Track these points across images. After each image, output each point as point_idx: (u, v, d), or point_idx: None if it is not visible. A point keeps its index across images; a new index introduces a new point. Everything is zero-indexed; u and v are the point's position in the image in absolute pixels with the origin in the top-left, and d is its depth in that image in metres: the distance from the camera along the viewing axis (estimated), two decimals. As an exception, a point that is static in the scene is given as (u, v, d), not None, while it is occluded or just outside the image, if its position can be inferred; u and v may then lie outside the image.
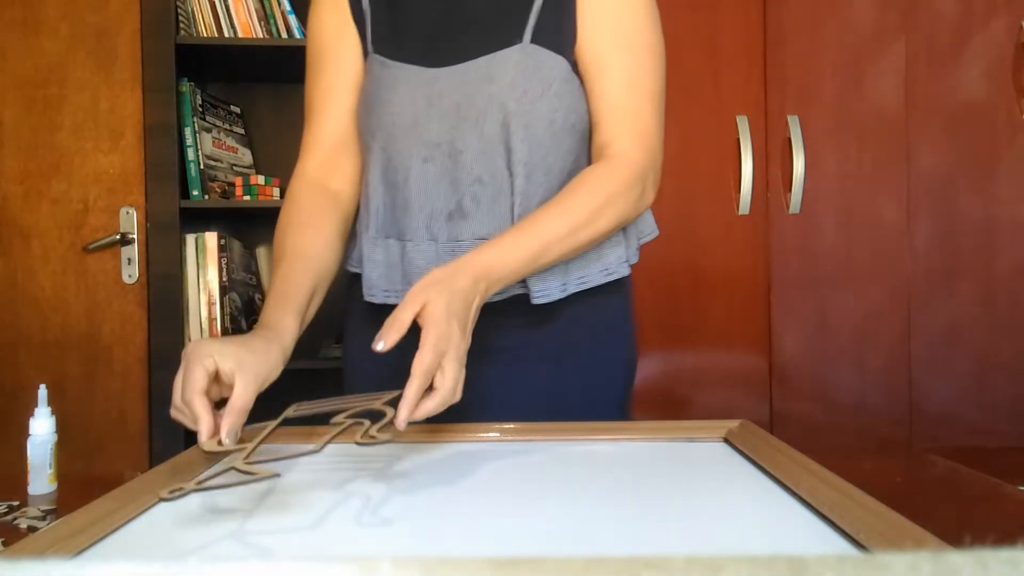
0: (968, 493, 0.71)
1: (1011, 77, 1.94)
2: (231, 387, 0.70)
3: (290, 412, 0.74)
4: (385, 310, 0.95)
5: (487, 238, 0.91)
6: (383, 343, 0.71)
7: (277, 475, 0.56)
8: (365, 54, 0.98)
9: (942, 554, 0.21)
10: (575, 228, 0.86)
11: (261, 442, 0.63)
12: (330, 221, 0.96)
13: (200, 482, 0.55)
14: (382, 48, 0.96)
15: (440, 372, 0.71)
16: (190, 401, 0.68)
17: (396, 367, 0.93)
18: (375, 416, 0.70)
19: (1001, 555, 0.21)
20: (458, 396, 0.72)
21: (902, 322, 1.97)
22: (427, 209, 0.93)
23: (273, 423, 0.68)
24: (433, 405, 0.70)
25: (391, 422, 0.67)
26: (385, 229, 0.96)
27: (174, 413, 0.71)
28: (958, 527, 0.58)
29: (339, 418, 0.69)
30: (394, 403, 0.70)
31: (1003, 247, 1.96)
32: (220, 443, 0.66)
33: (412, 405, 0.68)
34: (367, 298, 0.95)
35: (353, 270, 1.02)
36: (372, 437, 0.63)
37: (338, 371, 1.09)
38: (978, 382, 1.96)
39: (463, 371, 0.73)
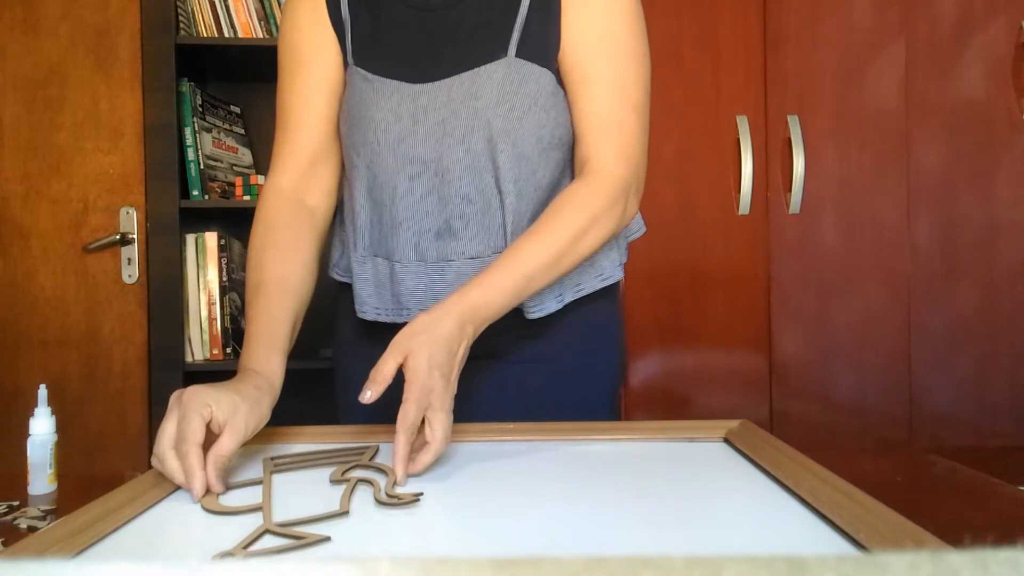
0: (968, 493, 0.71)
1: (1011, 77, 1.94)
2: (216, 434, 0.70)
3: (269, 466, 0.74)
4: (376, 323, 0.95)
5: (477, 257, 0.91)
6: (370, 394, 0.73)
7: (328, 538, 0.55)
8: (345, 64, 0.95)
9: (942, 554, 0.21)
10: (558, 256, 0.84)
11: (271, 493, 0.63)
12: (309, 243, 0.94)
13: (246, 546, 0.54)
14: (364, 61, 0.93)
15: (428, 426, 0.73)
16: (186, 453, 0.65)
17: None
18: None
19: (1001, 555, 0.21)
20: (447, 443, 0.74)
21: (902, 322, 1.97)
22: (415, 228, 0.91)
23: (265, 486, 0.68)
24: (429, 459, 0.72)
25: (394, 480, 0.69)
26: (373, 247, 0.95)
27: (155, 462, 0.68)
28: (958, 527, 0.58)
29: (344, 474, 0.71)
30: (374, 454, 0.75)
31: (1003, 247, 1.96)
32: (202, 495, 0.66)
33: (404, 461, 0.70)
34: (359, 314, 0.95)
35: (339, 278, 1.01)
36: (397, 497, 0.63)
37: (338, 371, 1.09)
38: (978, 382, 1.96)
39: (451, 419, 0.74)
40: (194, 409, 0.67)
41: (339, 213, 1.03)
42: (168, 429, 0.68)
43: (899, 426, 1.96)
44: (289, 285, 0.88)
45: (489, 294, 0.81)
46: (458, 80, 0.89)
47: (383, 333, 0.96)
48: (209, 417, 0.68)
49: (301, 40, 0.96)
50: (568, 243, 0.85)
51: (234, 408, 0.70)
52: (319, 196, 0.97)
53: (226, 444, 0.68)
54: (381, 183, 0.92)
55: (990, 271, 1.96)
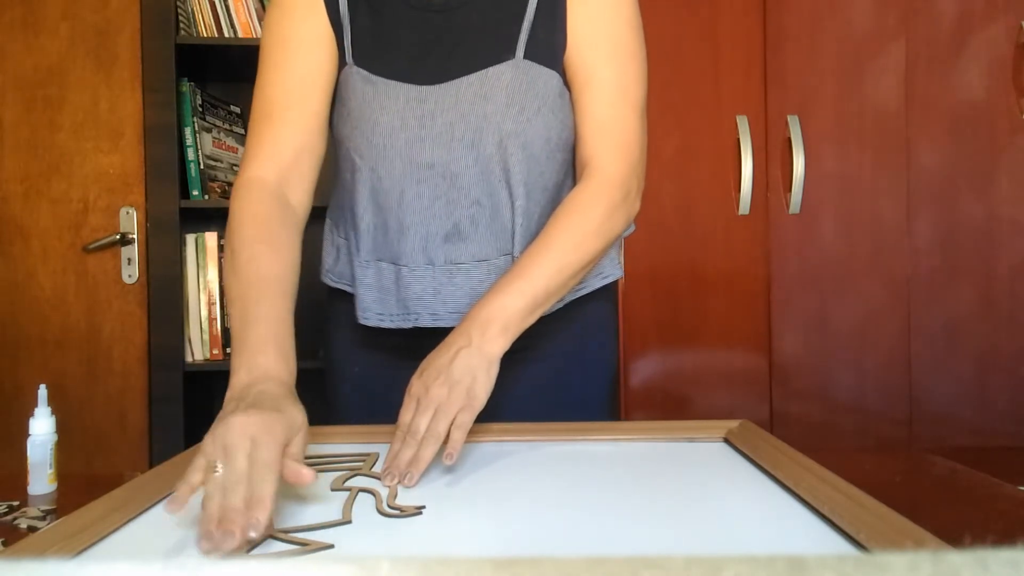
0: (968, 493, 0.71)
1: (1011, 77, 1.94)
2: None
3: None
4: (374, 328, 0.94)
5: (485, 259, 0.91)
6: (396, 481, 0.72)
7: (331, 546, 0.55)
8: (342, 63, 0.92)
9: (942, 554, 0.21)
10: (575, 271, 0.86)
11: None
12: (295, 243, 0.87)
13: (249, 550, 0.53)
14: (364, 61, 0.90)
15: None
16: (266, 481, 0.57)
17: (383, 374, 0.93)
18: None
19: (1001, 555, 0.21)
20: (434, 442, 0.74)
21: (902, 322, 1.97)
22: (422, 232, 0.90)
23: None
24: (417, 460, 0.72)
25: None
26: (377, 251, 0.93)
27: (183, 492, 0.56)
28: (958, 527, 0.58)
29: (344, 482, 0.71)
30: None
31: (1003, 247, 1.96)
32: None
33: (397, 471, 0.71)
34: (361, 320, 0.93)
35: (334, 284, 0.99)
36: (399, 509, 0.63)
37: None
38: (978, 382, 1.96)
39: (444, 419, 0.74)
40: (274, 441, 0.60)
41: (329, 216, 1.01)
42: (239, 463, 0.58)
43: (899, 426, 1.96)
44: (287, 287, 0.82)
45: (498, 300, 0.81)
46: (466, 82, 0.88)
47: (381, 338, 0.96)
48: (285, 445, 0.62)
49: (292, 30, 0.90)
50: (579, 257, 0.86)
51: (298, 431, 0.65)
52: (300, 194, 0.91)
53: (297, 448, 0.64)
54: (387, 187, 0.91)
55: (990, 271, 1.96)
